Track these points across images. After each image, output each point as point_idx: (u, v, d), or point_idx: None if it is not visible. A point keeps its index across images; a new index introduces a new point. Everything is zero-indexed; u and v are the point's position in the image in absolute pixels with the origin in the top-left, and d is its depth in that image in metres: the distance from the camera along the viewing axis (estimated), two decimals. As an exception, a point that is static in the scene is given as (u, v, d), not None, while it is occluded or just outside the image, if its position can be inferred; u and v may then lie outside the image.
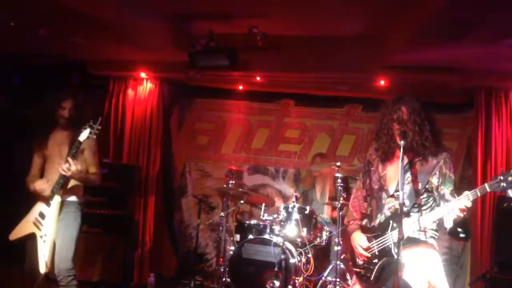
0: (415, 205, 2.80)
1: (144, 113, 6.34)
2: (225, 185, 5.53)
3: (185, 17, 4.94)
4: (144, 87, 6.40)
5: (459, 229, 2.70)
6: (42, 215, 3.69)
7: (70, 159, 3.59)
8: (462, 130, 6.05)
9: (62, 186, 3.67)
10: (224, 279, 5.11)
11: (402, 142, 2.68)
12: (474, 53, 4.78)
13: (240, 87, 6.53)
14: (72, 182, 3.76)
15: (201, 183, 6.65)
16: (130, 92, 6.42)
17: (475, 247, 5.33)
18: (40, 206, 3.73)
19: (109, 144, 6.26)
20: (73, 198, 3.81)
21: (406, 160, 2.80)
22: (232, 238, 5.37)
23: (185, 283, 5.61)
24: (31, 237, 3.71)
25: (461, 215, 2.57)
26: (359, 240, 2.91)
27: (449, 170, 2.80)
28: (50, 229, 3.65)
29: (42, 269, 3.61)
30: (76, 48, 5.60)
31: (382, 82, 5.60)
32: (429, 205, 2.82)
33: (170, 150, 6.63)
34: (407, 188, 2.79)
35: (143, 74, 6.31)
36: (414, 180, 2.80)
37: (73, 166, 3.57)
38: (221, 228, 5.53)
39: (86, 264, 5.27)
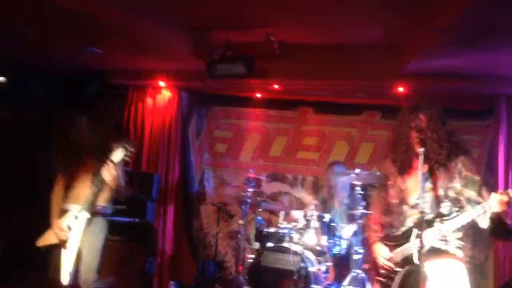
0: (437, 214, 2.76)
1: (163, 121, 6.40)
2: (243, 193, 5.53)
3: (203, 27, 4.99)
4: (163, 95, 6.47)
5: (494, 232, 2.60)
6: (69, 228, 3.73)
7: (110, 164, 3.59)
8: (483, 137, 5.96)
9: (92, 201, 3.71)
10: (243, 287, 5.10)
11: (421, 150, 2.65)
12: (495, 60, 4.71)
13: (258, 95, 6.54)
14: (102, 196, 3.80)
15: (220, 191, 6.66)
16: (149, 100, 6.49)
17: (498, 256, 5.24)
18: (67, 219, 3.76)
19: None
20: (101, 210, 3.85)
21: (425, 168, 2.76)
22: (251, 246, 5.36)
23: (205, 291, 5.62)
24: (57, 247, 3.76)
25: (499, 210, 2.49)
26: (380, 251, 2.89)
27: (470, 171, 2.74)
28: (76, 241, 3.69)
29: (66, 280, 3.65)
30: (96, 58, 5.68)
31: (401, 89, 5.56)
32: (453, 213, 2.77)
33: (188, 158, 6.66)
34: (428, 196, 2.75)
35: (161, 83, 6.37)
36: (435, 188, 2.76)
37: (113, 171, 3.60)
38: (240, 236, 5.53)
39: (105, 272, 5.29)
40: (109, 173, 3.64)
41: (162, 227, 6.16)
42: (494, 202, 2.49)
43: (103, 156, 3.73)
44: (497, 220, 2.57)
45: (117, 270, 5.39)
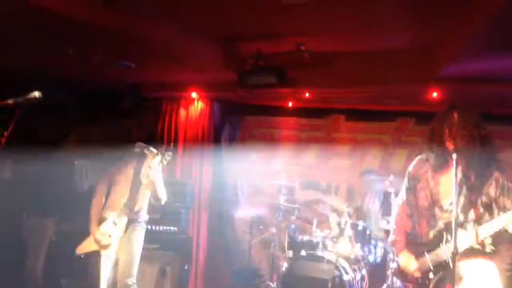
0: (470, 217, 2.71)
1: (196, 131, 6.51)
2: (276, 201, 5.54)
3: (234, 38, 5.06)
4: (196, 106, 6.57)
5: None
6: (108, 234, 3.85)
7: (147, 169, 3.72)
8: (523, 142, 5.79)
9: (131, 207, 3.84)
10: (277, 296, 5.10)
11: (455, 155, 2.61)
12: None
13: (290, 104, 6.56)
14: (139, 202, 3.91)
15: (253, 199, 6.69)
16: (182, 111, 6.61)
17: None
18: (106, 225, 3.88)
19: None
20: (139, 217, 3.97)
21: (460, 170, 2.72)
22: (284, 254, 5.35)
23: (239, 300, 5.64)
24: (95, 254, 3.88)
25: None
26: (407, 263, 2.86)
27: (508, 179, 2.70)
28: (114, 248, 3.81)
29: (103, 287, 3.75)
30: (129, 72, 5.82)
31: (434, 94, 5.47)
32: (485, 218, 2.72)
33: (222, 167, 6.73)
34: (462, 200, 2.71)
35: (194, 94, 6.48)
36: (469, 192, 2.71)
37: (151, 176, 3.73)
38: (273, 244, 5.54)
39: (141, 280, 5.39)
40: (146, 180, 3.74)
41: (196, 235, 6.24)
42: None
43: (140, 163, 3.84)
44: None
45: (152, 277, 5.48)
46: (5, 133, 2.76)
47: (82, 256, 3.96)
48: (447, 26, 4.30)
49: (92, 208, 4.02)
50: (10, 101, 2.78)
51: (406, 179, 3.04)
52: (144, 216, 4.03)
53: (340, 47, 5.10)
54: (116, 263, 3.80)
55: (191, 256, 6.14)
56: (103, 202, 4.02)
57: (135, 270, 3.84)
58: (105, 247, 3.83)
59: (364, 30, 4.62)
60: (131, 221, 3.89)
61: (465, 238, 2.66)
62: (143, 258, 5.45)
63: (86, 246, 3.96)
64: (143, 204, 3.98)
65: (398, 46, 4.97)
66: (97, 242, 3.85)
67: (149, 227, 5.57)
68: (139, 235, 3.96)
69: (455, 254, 2.47)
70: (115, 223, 3.84)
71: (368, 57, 5.23)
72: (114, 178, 4.03)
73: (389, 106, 6.18)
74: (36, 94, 2.88)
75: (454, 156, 2.61)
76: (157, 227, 5.72)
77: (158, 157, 3.79)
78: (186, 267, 5.79)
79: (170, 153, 3.86)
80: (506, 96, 5.41)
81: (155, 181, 3.91)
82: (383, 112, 6.32)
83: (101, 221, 3.92)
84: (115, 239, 3.82)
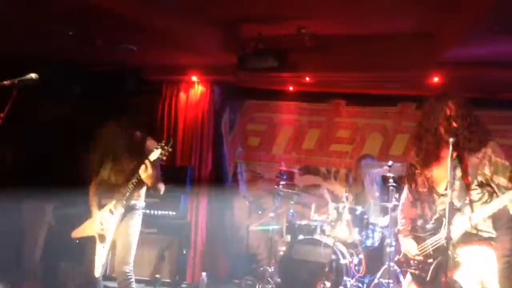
0: (466, 201, 2.70)
1: (196, 115, 6.47)
2: (276, 186, 5.54)
3: (234, 21, 5.01)
4: (196, 90, 6.54)
5: None
6: (105, 221, 3.85)
7: (147, 163, 3.68)
8: (525, 127, 5.75)
9: (128, 199, 3.82)
10: (275, 280, 5.11)
11: (452, 140, 2.59)
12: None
13: (290, 88, 6.52)
14: (137, 192, 3.92)
15: (253, 184, 6.69)
16: (182, 95, 6.57)
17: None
18: (104, 212, 3.88)
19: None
20: (135, 204, 3.95)
21: (454, 156, 2.69)
22: (282, 239, 5.37)
23: (237, 283, 5.66)
24: (91, 240, 3.89)
25: None
26: (409, 248, 2.86)
27: (500, 157, 2.67)
28: (110, 235, 3.80)
29: (98, 272, 3.75)
30: (131, 55, 5.79)
31: (436, 79, 5.43)
32: (483, 200, 2.70)
33: (221, 152, 6.71)
34: (457, 184, 2.70)
35: (194, 78, 6.45)
36: (464, 175, 2.69)
37: (149, 170, 3.68)
38: (271, 228, 5.54)
39: (139, 264, 5.43)
40: (145, 173, 3.72)
41: (195, 220, 6.24)
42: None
43: (139, 156, 3.82)
44: None
45: (151, 261, 5.51)
46: (1, 114, 2.75)
47: (77, 241, 3.97)
48: (448, 11, 4.23)
49: (90, 194, 4.03)
50: (6, 82, 2.77)
51: (407, 168, 3.03)
52: (141, 204, 4.01)
53: (341, 31, 5.03)
54: (111, 250, 3.80)
55: (190, 241, 6.15)
56: (100, 190, 3.99)
57: (131, 257, 3.82)
58: (102, 236, 3.84)
59: (366, 14, 4.56)
60: (128, 209, 3.87)
61: (462, 222, 2.64)
62: (142, 242, 5.46)
63: (81, 231, 3.97)
64: (141, 192, 3.96)
65: (399, 31, 4.90)
66: (96, 227, 3.86)
67: (148, 211, 5.63)
68: (136, 222, 3.93)
69: (448, 239, 2.47)
70: (111, 212, 3.83)
71: (369, 41, 5.16)
72: (112, 169, 3.98)
73: (390, 90, 6.14)
74: (33, 75, 2.86)
75: (451, 140, 2.59)
76: (156, 212, 5.73)
77: (158, 151, 3.74)
78: (184, 252, 5.81)
79: (170, 148, 3.78)
80: (508, 81, 5.36)
81: (153, 173, 3.87)
82: (384, 96, 6.28)
83: (100, 207, 3.93)
84: (112, 226, 3.80)
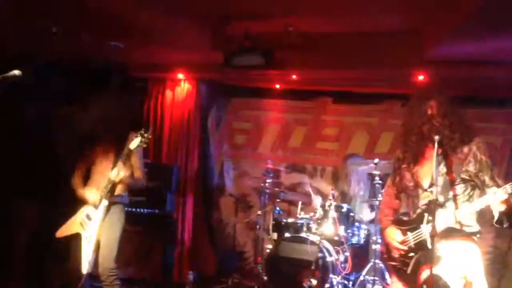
0: (449, 196, 2.72)
1: (182, 113, 6.44)
2: (262, 184, 5.53)
3: (221, 18, 4.99)
4: (182, 87, 6.50)
5: (505, 219, 2.57)
6: (88, 217, 3.82)
7: (119, 166, 3.70)
8: (508, 125, 5.83)
9: (110, 191, 3.78)
10: (261, 277, 5.11)
11: (437, 137, 2.61)
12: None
13: (277, 86, 6.51)
14: (119, 186, 3.87)
15: (239, 182, 6.67)
16: (168, 93, 6.53)
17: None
18: (87, 208, 3.85)
19: (149, 144, 6.37)
20: (119, 200, 3.91)
21: (439, 152, 2.72)
22: (269, 237, 5.37)
23: (224, 281, 5.65)
24: (76, 238, 3.85)
25: (503, 207, 2.47)
26: (393, 235, 2.86)
27: (484, 155, 2.70)
28: (95, 231, 3.76)
29: (84, 269, 3.72)
30: (116, 52, 5.73)
31: (421, 77, 5.47)
32: (466, 195, 2.73)
33: (208, 150, 6.69)
34: (441, 180, 2.71)
35: (180, 75, 6.41)
36: (448, 171, 2.72)
37: (122, 172, 3.70)
38: (258, 226, 5.54)
39: (126, 262, 5.39)
40: (127, 163, 3.71)
41: (181, 218, 6.21)
42: (498, 198, 2.46)
43: (121, 146, 3.79)
44: (506, 214, 2.54)
45: (137, 260, 5.48)
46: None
47: (62, 241, 3.92)
48: (434, 9, 4.27)
49: (74, 183, 3.98)
50: (-12, 80, 2.72)
51: (393, 162, 3.04)
52: (125, 199, 3.98)
53: (328, 29, 5.04)
54: (96, 246, 3.76)
55: (176, 239, 6.13)
56: (83, 181, 3.97)
57: (115, 253, 3.79)
58: (84, 226, 3.82)
59: (353, 12, 4.58)
60: (112, 204, 3.83)
61: (444, 218, 2.66)
62: (128, 241, 5.45)
63: (66, 230, 3.92)
64: (123, 187, 3.91)
65: (386, 29, 4.93)
66: (91, 195, 3.82)
67: (134, 209, 5.61)
68: (119, 218, 3.89)
69: (434, 234, 2.49)
70: (95, 206, 3.79)
71: (356, 39, 5.19)
72: (95, 159, 3.96)
73: (377, 88, 6.17)
74: (16, 72, 2.82)
75: (437, 138, 2.61)
76: (142, 210, 5.69)
77: (138, 139, 3.73)
78: (171, 250, 5.79)
79: (149, 135, 3.79)
80: (493, 79, 5.41)
81: (134, 163, 3.88)
82: (370, 95, 6.30)
83: (83, 202, 3.89)
84: (97, 221, 3.77)
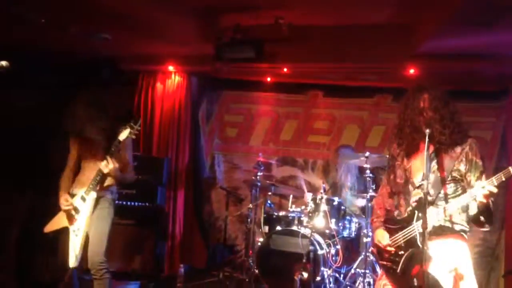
0: (441, 194, 2.74)
1: (173, 106, 6.42)
2: (253, 177, 5.54)
3: (212, 10, 4.96)
4: (173, 80, 6.47)
5: (482, 218, 2.60)
6: (76, 210, 3.75)
7: (108, 158, 3.63)
8: (497, 119, 5.86)
9: (99, 183, 3.73)
10: (252, 270, 5.13)
11: (427, 131, 2.62)
12: (509, 40, 4.61)
13: (268, 79, 6.51)
14: (108, 178, 3.81)
15: (230, 175, 6.67)
16: (159, 85, 6.51)
17: (509, 239, 5.19)
18: (76, 201, 3.78)
19: (139, 137, 6.34)
20: (107, 194, 3.86)
21: (431, 149, 2.74)
22: (260, 230, 5.38)
23: (215, 274, 5.66)
24: (64, 231, 3.79)
25: (484, 200, 2.48)
26: (381, 238, 2.88)
27: (476, 156, 2.72)
28: (83, 224, 3.70)
29: (72, 263, 3.68)
30: (106, 44, 5.68)
31: (412, 71, 5.49)
32: (456, 194, 2.74)
33: (199, 143, 6.68)
34: (432, 177, 2.73)
35: (171, 68, 6.38)
36: (440, 168, 2.73)
37: (111, 164, 3.63)
38: (249, 219, 5.55)
39: (117, 256, 5.38)
40: (115, 155, 3.66)
41: (172, 211, 6.21)
42: (482, 192, 2.47)
43: (111, 138, 3.73)
44: (484, 211, 2.57)
45: (128, 253, 5.47)
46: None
47: (50, 236, 3.86)
48: (425, 3, 4.27)
49: (62, 177, 3.91)
50: (-24, 71, 2.69)
51: (387, 160, 3.05)
52: (114, 193, 3.92)
53: (319, 22, 5.03)
54: (85, 240, 3.71)
55: (167, 232, 6.13)
56: (72, 175, 3.91)
57: (104, 246, 3.73)
58: (68, 211, 3.74)
59: (343, 5, 4.57)
60: (100, 198, 3.78)
61: (435, 215, 2.68)
62: (119, 234, 5.46)
63: (54, 224, 3.85)
64: (112, 179, 3.85)
65: (376, 22, 4.92)
66: (62, 204, 3.74)
67: (124, 202, 5.59)
68: (108, 212, 3.83)
69: (424, 231, 2.50)
70: (83, 199, 3.74)
71: (346, 33, 5.18)
72: (84, 152, 3.91)
73: (367, 82, 6.18)
74: (4, 63, 2.79)
75: (427, 132, 2.62)
76: (133, 203, 5.68)
77: (127, 130, 3.69)
78: (162, 243, 5.78)
79: (138, 126, 3.74)
80: (483, 73, 5.45)
81: (124, 157, 3.82)
82: (361, 88, 6.31)
83: (71, 196, 3.80)
84: (84, 215, 3.72)
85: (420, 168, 2.77)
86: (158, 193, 5.84)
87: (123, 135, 3.69)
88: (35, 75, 6.01)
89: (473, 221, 2.68)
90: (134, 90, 6.55)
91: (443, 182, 2.72)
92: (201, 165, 6.69)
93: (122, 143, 3.73)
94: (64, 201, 3.74)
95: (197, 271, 6.12)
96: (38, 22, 4.97)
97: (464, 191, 2.72)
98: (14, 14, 4.74)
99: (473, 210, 2.61)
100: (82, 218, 3.72)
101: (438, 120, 2.71)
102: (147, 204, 5.72)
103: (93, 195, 3.72)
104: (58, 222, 3.85)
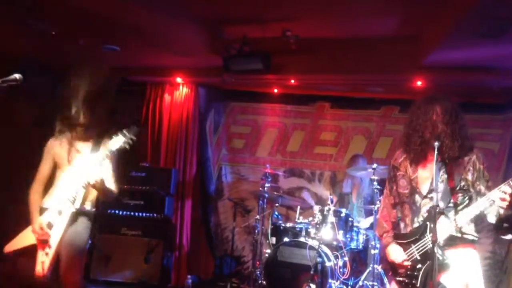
0: (450, 204, 2.73)
1: (181, 117, 6.45)
2: (260, 188, 5.54)
3: (220, 23, 5.01)
4: (180, 92, 6.51)
5: (505, 224, 2.58)
6: (49, 225, 3.26)
7: (96, 169, 3.22)
8: (504, 131, 5.86)
9: (82, 196, 3.28)
10: (260, 282, 5.11)
11: (436, 144, 2.62)
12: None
13: (275, 90, 6.54)
14: (91, 192, 3.37)
15: (237, 186, 6.68)
16: (166, 97, 6.54)
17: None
18: (49, 215, 3.29)
19: (147, 148, 6.42)
20: (87, 208, 3.39)
21: (439, 158, 2.72)
22: (268, 241, 5.37)
23: (222, 286, 5.65)
24: (30, 250, 3.25)
25: (504, 205, 2.48)
26: (395, 254, 2.83)
27: (483, 165, 2.73)
28: (56, 240, 3.23)
29: (40, 271, 3.19)
30: (114, 56, 5.74)
31: (419, 83, 5.50)
32: (465, 203, 2.74)
33: (206, 154, 6.70)
34: (441, 187, 2.73)
35: (179, 79, 6.42)
36: (449, 179, 2.73)
37: (99, 176, 3.19)
38: (256, 231, 5.55)
39: (124, 266, 5.39)
40: (95, 176, 3.19)
41: (179, 222, 6.21)
42: (498, 195, 2.47)
43: (99, 144, 3.35)
44: (506, 218, 2.56)
45: (135, 264, 5.48)
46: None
47: (12, 255, 3.27)
48: (431, 15, 4.30)
49: (31, 197, 3.36)
50: (-11, 83, 2.71)
51: (388, 171, 3.04)
52: (91, 208, 3.42)
53: (326, 34, 5.08)
54: (57, 255, 3.22)
55: (175, 243, 6.12)
56: (42, 191, 3.40)
57: (81, 266, 3.35)
58: (45, 239, 3.22)
59: (350, 17, 4.62)
60: (78, 212, 3.31)
61: (446, 226, 2.68)
62: (126, 245, 5.48)
63: (18, 242, 3.31)
64: (90, 195, 3.38)
65: (383, 34, 4.97)
66: (37, 233, 3.22)
67: (132, 213, 5.62)
68: (85, 227, 3.36)
69: (434, 242, 2.49)
70: (60, 213, 3.26)
71: (353, 45, 5.23)
72: (60, 160, 3.37)
73: (374, 94, 6.21)
74: (17, 76, 2.80)
75: (436, 145, 2.62)
76: (141, 214, 5.70)
77: (121, 138, 3.25)
78: (169, 254, 5.78)
79: (132, 135, 3.27)
80: (489, 85, 5.44)
81: (108, 172, 3.35)
82: (368, 100, 6.34)
83: (42, 211, 3.31)
84: (59, 230, 3.23)
85: (427, 178, 2.77)
86: (166, 204, 5.85)
87: (116, 143, 3.26)
88: (42, 87, 6.02)
89: (496, 228, 2.67)
90: (142, 101, 6.59)
91: (452, 192, 2.72)
92: (209, 176, 6.70)
93: (111, 154, 3.29)
94: (39, 229, 3.21)
95: (204, 282, 6.12)
96: (49, 34, 5.04)
97: (471, 200, 2.72)
98: (26, 25, 4.81)
99: (492, 219, 2.60)
100: (56, 234, 3.24)
101: (449, 135, 2.70)
102: (154, 215, 5.73)
103: (71, 209, 3.27)
104: (24, 239, 3.30)
